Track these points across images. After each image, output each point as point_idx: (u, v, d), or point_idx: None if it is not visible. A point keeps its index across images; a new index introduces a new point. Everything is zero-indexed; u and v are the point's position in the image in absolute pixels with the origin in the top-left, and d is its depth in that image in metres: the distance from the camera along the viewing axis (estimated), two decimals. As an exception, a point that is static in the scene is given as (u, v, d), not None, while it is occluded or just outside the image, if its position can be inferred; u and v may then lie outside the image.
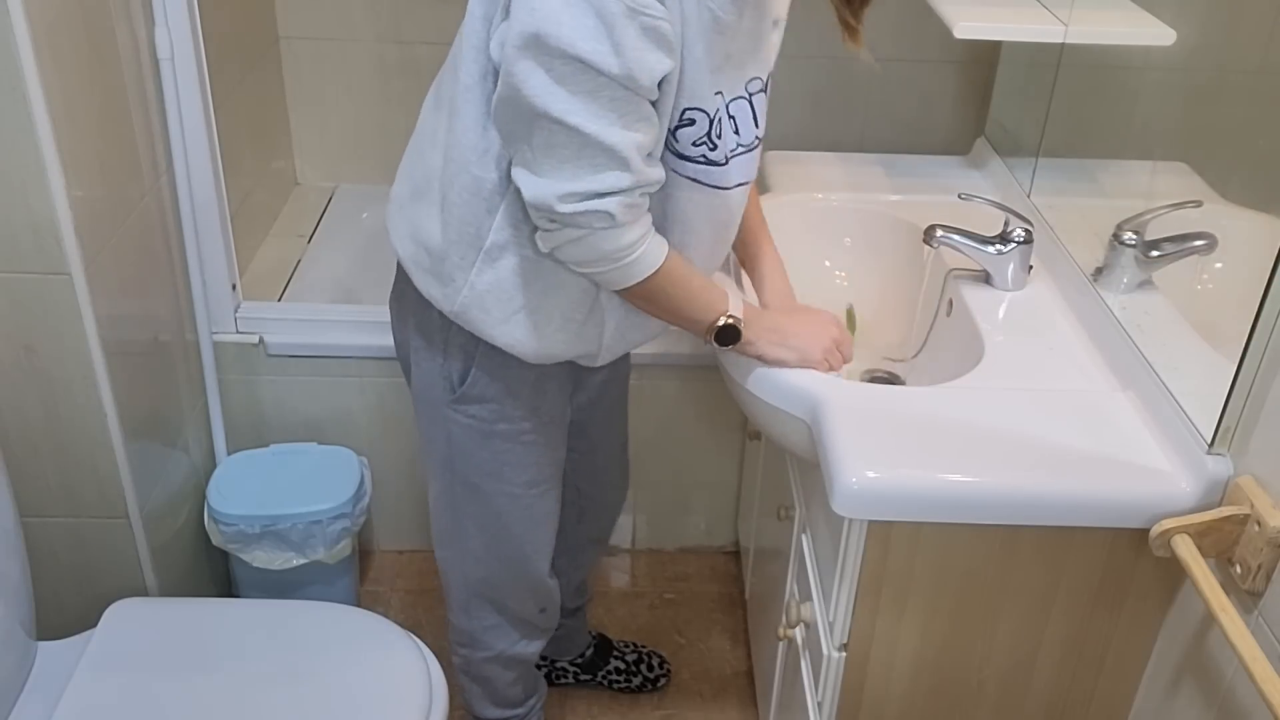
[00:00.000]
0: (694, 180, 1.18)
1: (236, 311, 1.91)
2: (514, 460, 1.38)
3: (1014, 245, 1.45)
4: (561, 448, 1.45)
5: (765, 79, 1.23)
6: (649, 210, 1.17)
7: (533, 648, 1.60)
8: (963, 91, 2.18)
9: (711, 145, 1.16)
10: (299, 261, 2.25)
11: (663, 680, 1.95)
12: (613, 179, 1.08)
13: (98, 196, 1.49)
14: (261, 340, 1.93)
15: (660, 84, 1.08)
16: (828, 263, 1.54)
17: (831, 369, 1.30)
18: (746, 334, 1.26)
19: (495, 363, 1.30)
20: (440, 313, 1.27)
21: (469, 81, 1.13)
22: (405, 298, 1.35)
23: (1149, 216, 1.32)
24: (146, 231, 1.67)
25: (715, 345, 1.28)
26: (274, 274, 2.19)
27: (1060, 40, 1.58)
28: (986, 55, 2.08)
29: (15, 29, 1.29)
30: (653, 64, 1.04)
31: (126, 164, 1.60)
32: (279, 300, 2.11)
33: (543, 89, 1.03)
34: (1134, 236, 1.33)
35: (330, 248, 2.30)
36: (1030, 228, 1.46)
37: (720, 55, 1.13)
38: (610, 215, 1.09)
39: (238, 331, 1.92)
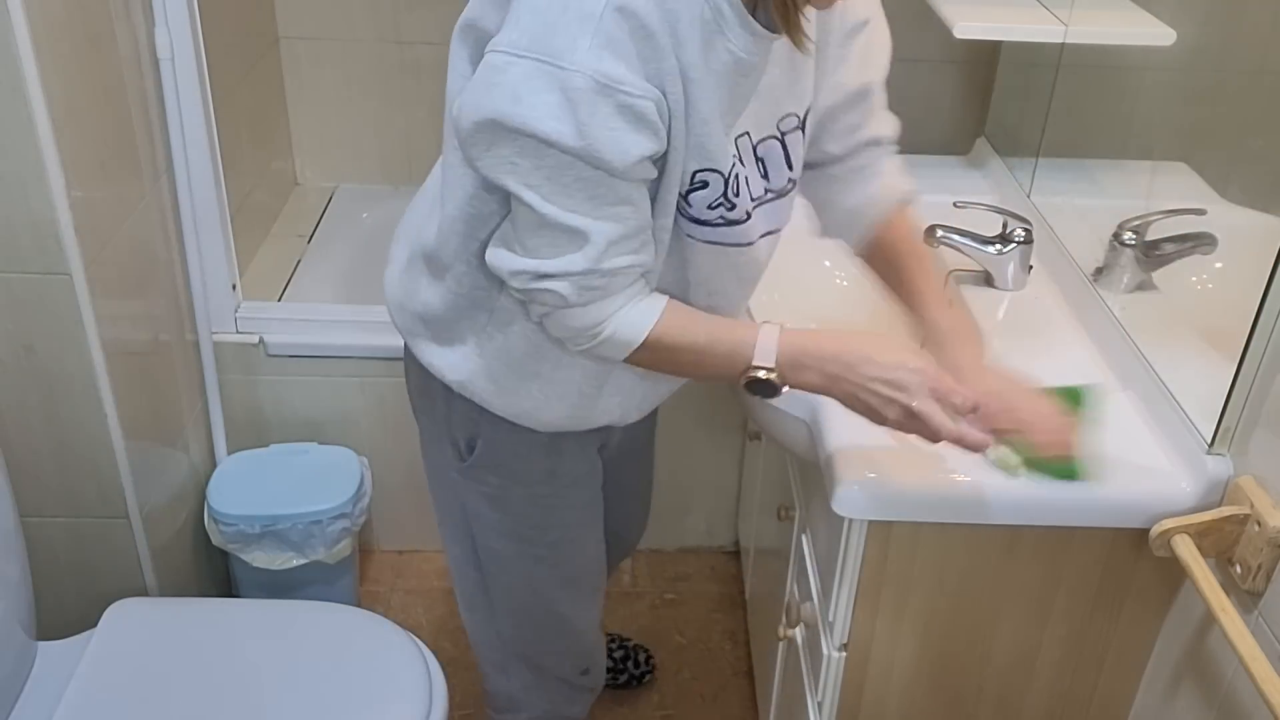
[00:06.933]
0: (713, 243, 1.07)
1: (236, 311, 1.91)
2: (535, 522, 1.29)
3: (1014, 245, 1.45)
4: (595, 503, 1.34)
5: (803, 115, 1.09)
6: (672, 274, 1.09)
7: (577, 709, 1.50)
8: (963, 91, 2.18)
9: (729, 205, 1.04)
10: (299, 261, 2.25)
11: (648, 675, 1.96)
12: (564, 262, 0.98)
13: (98, 196, 1.49)
14: (261, 340, 1.93)
15: (655, 161, 0.98)
16: (828, 263, 1.53)
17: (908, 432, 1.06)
18: (790, 377, 1.07)
19: (503, 430, 1.20)
20: (442, 382, 1.19)
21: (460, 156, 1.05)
22: (410, 362, 1.26)
23: (1152, 218, 1.32)
24: (146, 231, 1.67)
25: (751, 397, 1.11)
26: (274, 274, 2.19)
27: (1060, 40, 1.58)
28: (986, 55, 2.08)
29: (15, 29, 1.29)
30: (628, 145, 0.93)
31: (126, 164, 1.60)
32: (279, 300, 2.11)
33: (502, 164, 0.95)
34: (1134, 237, 1.33)
35: (330, 248, 2.30)
36: (1030, 228, 1.46)
37: (744, 97, 1.02)
38: (561, 296, 1.00)
39: (238, 331, 1.92)
